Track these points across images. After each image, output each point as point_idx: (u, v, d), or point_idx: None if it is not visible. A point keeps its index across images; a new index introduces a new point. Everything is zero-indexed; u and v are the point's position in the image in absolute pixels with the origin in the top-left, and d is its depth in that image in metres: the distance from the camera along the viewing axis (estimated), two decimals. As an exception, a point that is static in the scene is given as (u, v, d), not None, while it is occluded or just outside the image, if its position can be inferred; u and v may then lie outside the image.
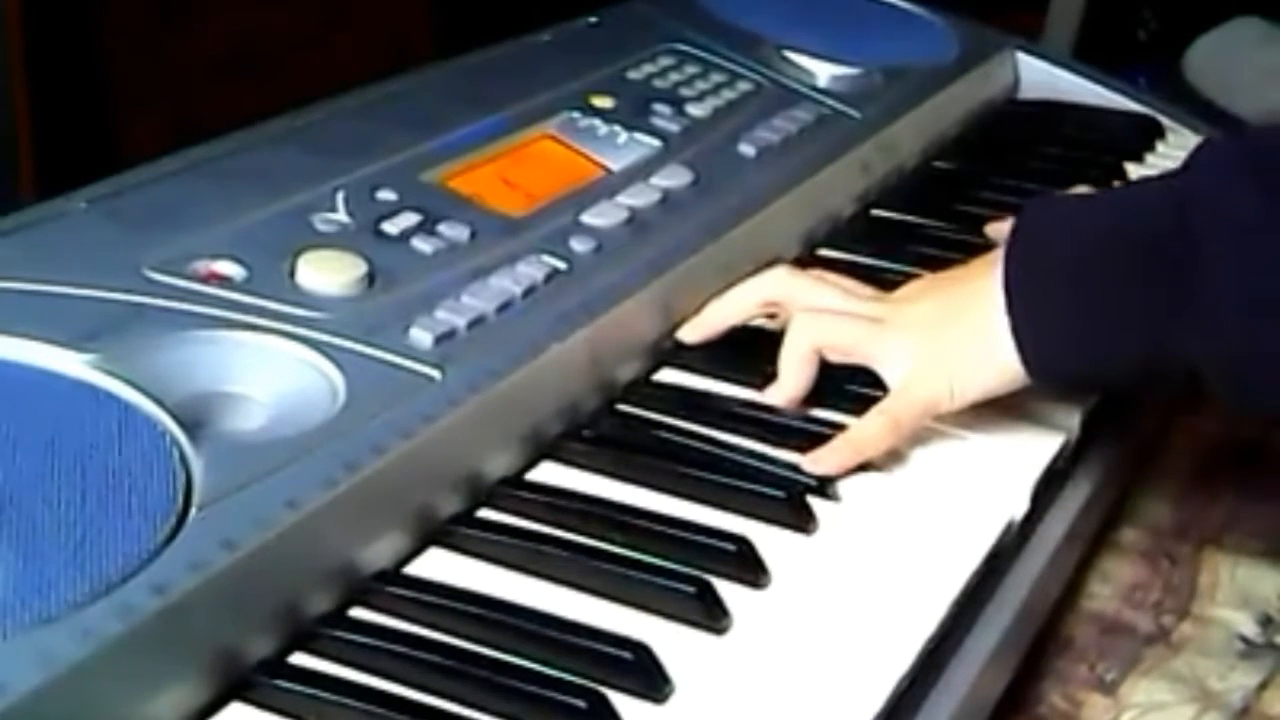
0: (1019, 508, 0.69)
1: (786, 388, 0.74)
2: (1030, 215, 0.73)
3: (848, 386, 0.74)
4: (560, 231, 0.77)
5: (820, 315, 0.75)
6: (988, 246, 0.91)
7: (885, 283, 0.86)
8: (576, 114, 0.90)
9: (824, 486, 0.68)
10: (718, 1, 1.11)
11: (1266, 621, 0.74)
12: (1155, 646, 0.72)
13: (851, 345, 0.74)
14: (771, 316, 0.79)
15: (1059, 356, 0.70)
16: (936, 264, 0.88)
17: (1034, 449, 0.73)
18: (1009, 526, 0.68)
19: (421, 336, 0.66)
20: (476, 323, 0.69)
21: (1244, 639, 0.73)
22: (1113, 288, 0.68)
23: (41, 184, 1.29)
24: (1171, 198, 0.68)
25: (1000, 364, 0.70)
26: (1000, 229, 0.91)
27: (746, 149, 0.92)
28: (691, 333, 0.78)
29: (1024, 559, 0.69)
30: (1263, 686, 0.70)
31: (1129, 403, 0.82)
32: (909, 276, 0.87)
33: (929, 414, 0.72)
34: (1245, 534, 0.80)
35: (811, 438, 0.71)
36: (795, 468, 0.69)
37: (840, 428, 0.71)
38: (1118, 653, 0.72)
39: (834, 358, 0.75)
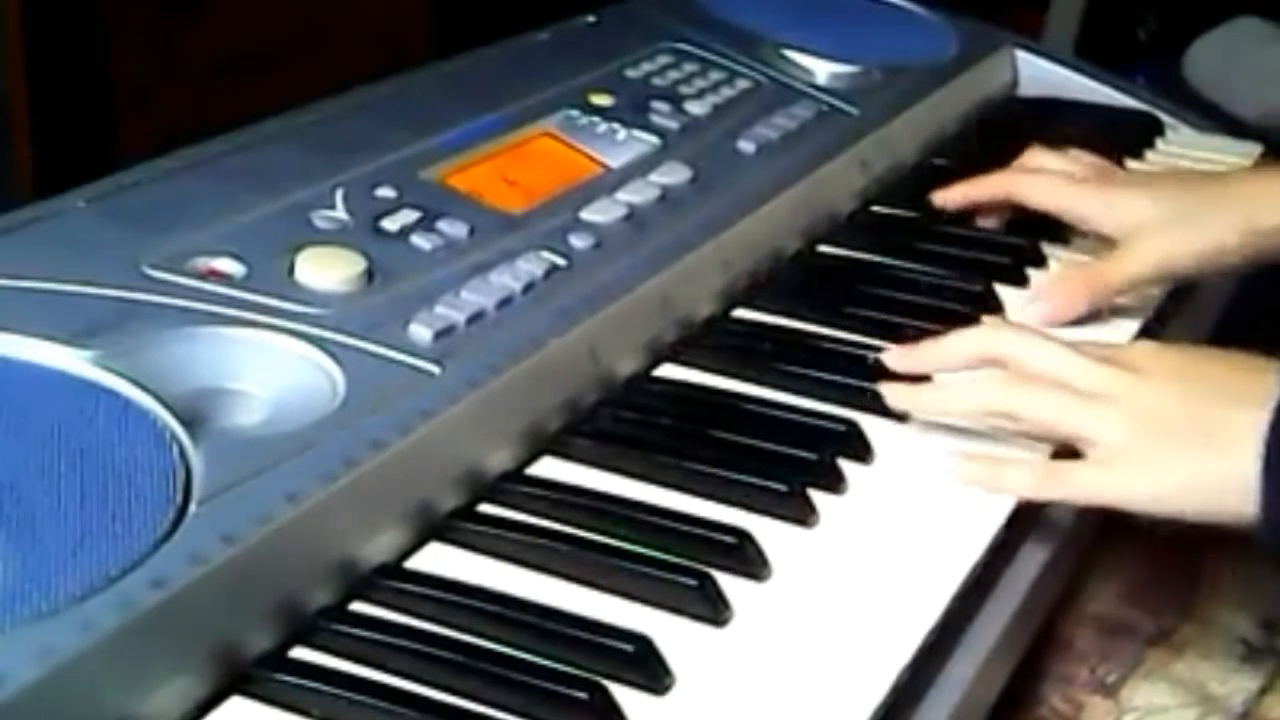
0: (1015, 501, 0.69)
1: (933, 407, 0.72)
2: None
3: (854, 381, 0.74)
4: (559, 228, 0.77)
5: (1031, 387, 0.70)
6: (986, 242, 0.92)
7: (887, 280, 0.86)
8: (575, 112, 0.90)
9: (825, 480, 0.68)
10: (716, 0, 1.12)
11: (1268, 625, 0.74)
12: (1156, 649, 0.72)
13: (1053, 423, 0.69)
14: None
15: None
16: (936, 260, 0.89)
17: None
18: (1009, 521, 0.68)
19: (421, 332, 0.66)
20: (476, 318, 0.69)
21: (1245, 642, 0.73)
22: None
23: (41, 184, 1.30)
24: None
25: (1222, 509, 0.66)
26: (1041, 282, 0.87)
27: (745, 146, 0.91)
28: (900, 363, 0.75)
29: (1022, 558, 0.69)
30: (1264, 690, 0.70)
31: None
32: (909, 274, 0.87)
33: (1112, 506, 0.68)
34: (1247, 537, 0.80)
35: (813, 434, 0.71)
36: (797, 462, 0.68)
37: (837, 420, 0.71)
38: (1118, 655, 0.72)
39: (1023, 429, 0.71)
